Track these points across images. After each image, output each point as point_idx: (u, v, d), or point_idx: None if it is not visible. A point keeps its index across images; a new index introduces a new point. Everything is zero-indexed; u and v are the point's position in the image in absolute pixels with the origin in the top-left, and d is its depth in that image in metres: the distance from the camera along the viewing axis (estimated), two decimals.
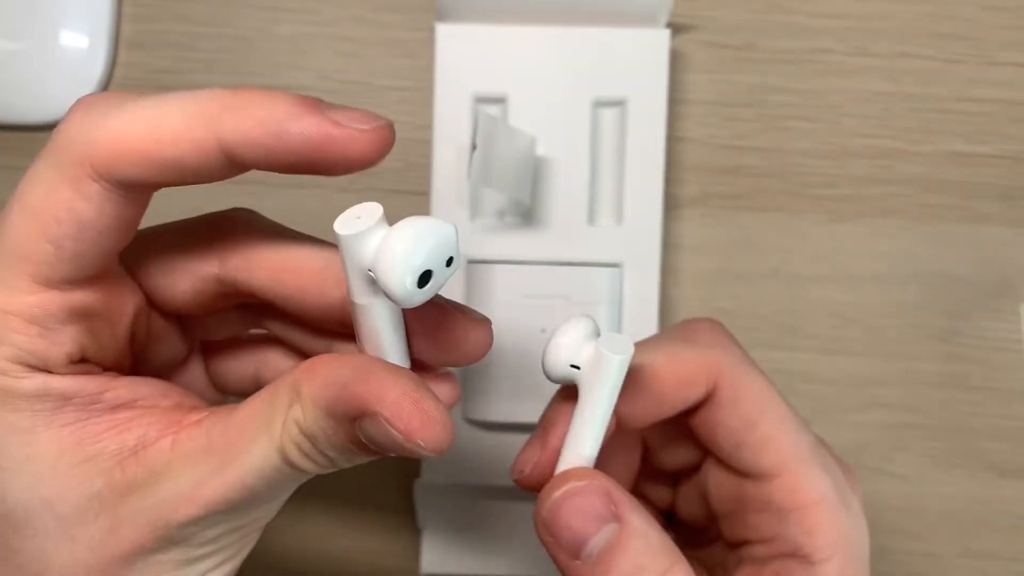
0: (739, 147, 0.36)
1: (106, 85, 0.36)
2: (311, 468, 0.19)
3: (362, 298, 0.19)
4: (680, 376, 0.22)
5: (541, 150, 0.33)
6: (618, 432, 0.23)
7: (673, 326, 0.25)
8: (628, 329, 0.33)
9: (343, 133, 0.17)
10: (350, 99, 0.36)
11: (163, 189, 0.19)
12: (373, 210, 0.18)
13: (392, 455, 0.19)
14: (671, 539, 0.21)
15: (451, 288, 0.33)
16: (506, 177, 0.31)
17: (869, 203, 0.36)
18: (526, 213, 0.33)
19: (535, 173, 0.33)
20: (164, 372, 0.24)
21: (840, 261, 0.36)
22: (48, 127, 0.36)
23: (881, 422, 0.36)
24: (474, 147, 0.30)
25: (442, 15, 0.33)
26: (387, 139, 0.18)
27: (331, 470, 0.20)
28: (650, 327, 0.33)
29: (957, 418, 0.37)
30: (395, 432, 0.17)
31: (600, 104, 0.34)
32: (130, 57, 0.36)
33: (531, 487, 0.22)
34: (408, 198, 0.36)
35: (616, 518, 0.20)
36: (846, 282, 0.36)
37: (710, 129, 0.36)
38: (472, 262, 0.33)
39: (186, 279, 0.21)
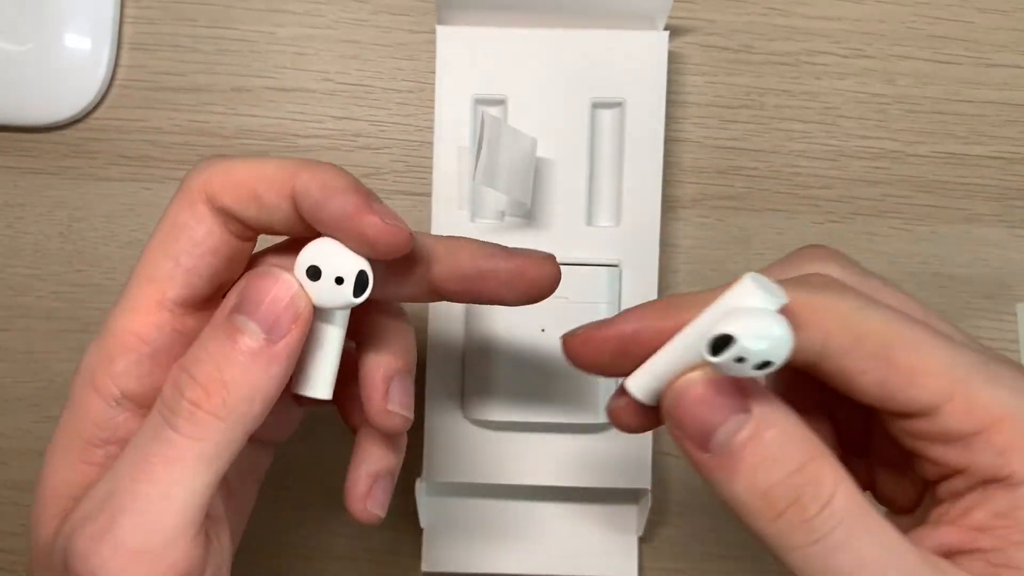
0: (736, 148, 0.37)
1: (108, 86, 0.36)
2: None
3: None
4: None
5: (540, 151, 0.33)
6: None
7: (789, 259, 0.23)
8: None
9: (371, 219, 0.21)
10: (351, 101, 0.37)
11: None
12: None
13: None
14: (815, 436, 0.19)
15: None
16: (509, 178, 0.31)
17: (865, 204, 0.37)
18: (526, 214, 0.34)
19: (535, 174, 0.33)
20: None
21: None
22: (51, 128, 0.36)
23: None
24: (479, 148, 0.30)
25: (442, 17, 0.33)
26: (403, 240, 0.21)
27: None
28: None
29: None
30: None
31: (599, 105, 0.34)
32: (132, 59, 0.37)
33: (574, 351, 0.22)
34: (409, 199, 0.36)
35: (745, 409, 0.19)
36: None
37: (708, 131, 0.37)
38: None
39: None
